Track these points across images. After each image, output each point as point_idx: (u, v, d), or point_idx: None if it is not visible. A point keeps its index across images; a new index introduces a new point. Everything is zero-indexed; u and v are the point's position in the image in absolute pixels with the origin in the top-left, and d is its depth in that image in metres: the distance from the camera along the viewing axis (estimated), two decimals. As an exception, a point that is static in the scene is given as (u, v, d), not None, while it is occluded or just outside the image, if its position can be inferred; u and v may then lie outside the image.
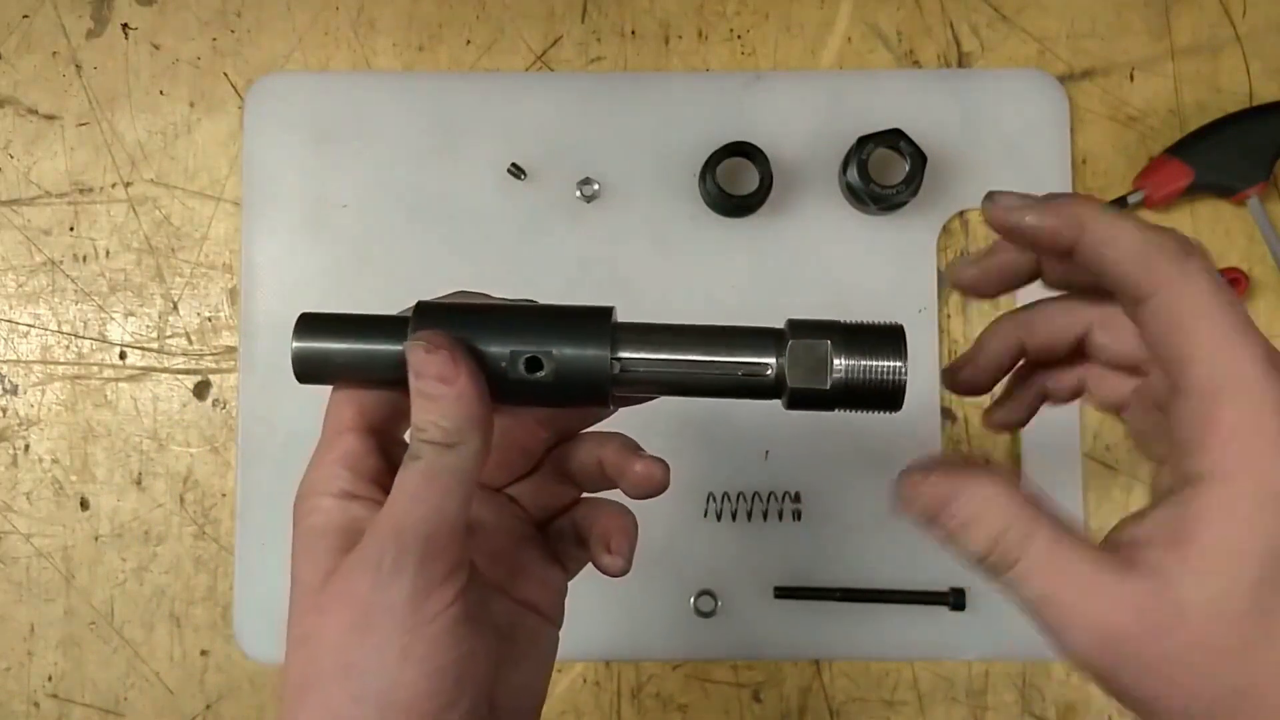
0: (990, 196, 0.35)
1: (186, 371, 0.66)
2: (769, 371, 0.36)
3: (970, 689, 0.64)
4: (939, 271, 0.65)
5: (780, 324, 0.37)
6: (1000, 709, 0.64)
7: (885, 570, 0.64)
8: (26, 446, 0.66)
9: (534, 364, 0.36)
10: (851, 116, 0.65)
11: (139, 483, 0.66)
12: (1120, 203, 0.65)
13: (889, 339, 0.36)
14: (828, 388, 0.35)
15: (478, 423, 0.34)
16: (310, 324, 0.37)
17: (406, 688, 0.33)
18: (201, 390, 0.66)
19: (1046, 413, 0.64)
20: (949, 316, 0.65)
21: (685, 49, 0.67)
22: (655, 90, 0.66)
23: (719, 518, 0.64)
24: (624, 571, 0.41)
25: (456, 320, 0.36)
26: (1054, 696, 0.65)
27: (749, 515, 0.64)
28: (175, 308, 0.66)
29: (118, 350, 0.66)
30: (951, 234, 0.66)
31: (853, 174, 0.62)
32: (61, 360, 0.66)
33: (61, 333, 0.66)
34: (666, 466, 0.40)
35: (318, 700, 0.34)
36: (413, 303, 0.37)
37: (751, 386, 0.36)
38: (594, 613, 0.64)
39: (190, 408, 0.66)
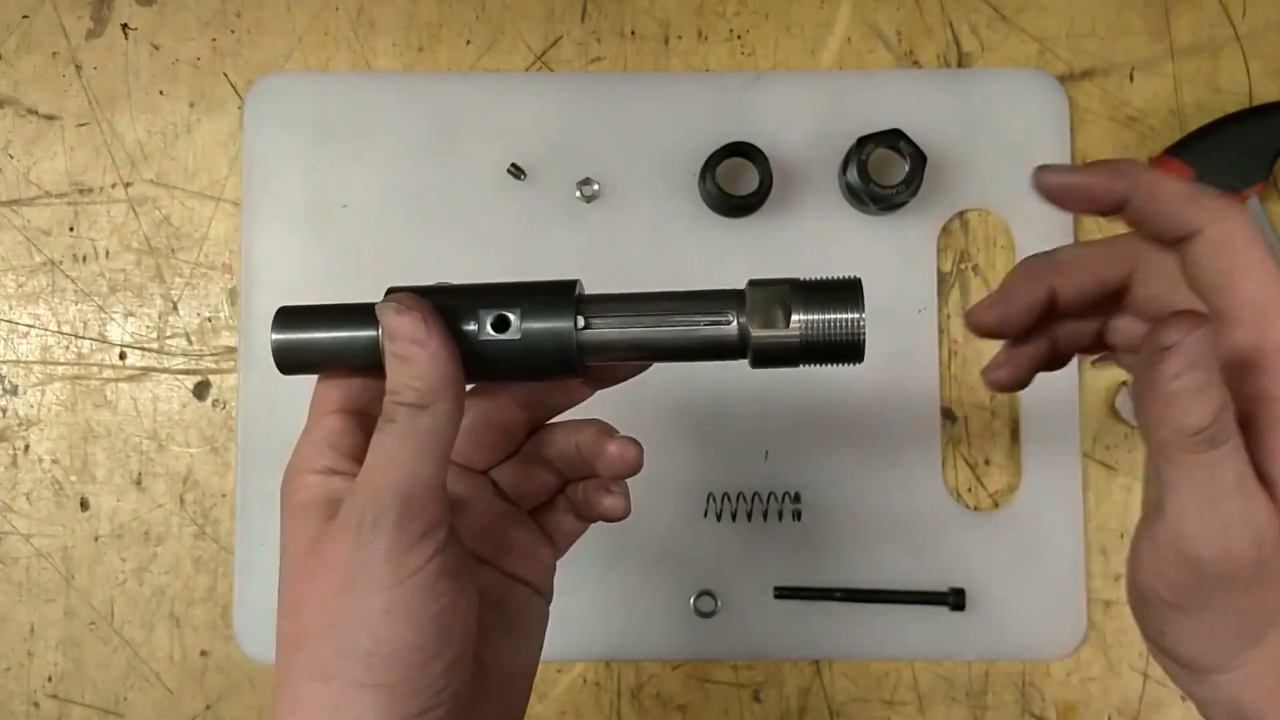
0: (1040, 169, 0.37)
1: (186, 372, 0.66)
2: (731, 328, 0.37)
3: (970, 689, 0.64)
4: (939, 272, 0.65)
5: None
6: (1000, 709, 0.64)
7: (885, 570, 0.64)
8: (26, 447, 0.66)
9: (502, 323, 0.37)
10: (851, 116, 0.65)
11: (139, 483, 0.66)
12: (1120, 203, 0.65)
13: (847, 292, 0.37)
14: (790, 341, 0.36)
15: (450, 384, 0.35)
16: (288, 316, 0.39)
17: (390, 641, 0.34)
18: (201, 390, 0.66)
19: (1046, 413, 0.65)
20: (949, 317, 0.65)
21: (685, 49, 0.67)
22: (655, 90, 0.66)
23: (719, 518, 0.64)
24: (627, 511, 0.42)
25: (428, 298, 0.37)
26: (1054, 696, 0.65)
27: (749, 515, 0.64)
28: (175, 308, 0.66)
29: (118, 350, 0.66)
30: (951, 234, 0.66)
31: (852, 174, 0.62)
32: (61, 360, 0.66)
33: (61, 333, 0.66)
34: (640, 446, 0.41)
35: (306, 658, 0.35)
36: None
37: (716, 345, 0.37)
38: (594, 613, 0.64)
39: (190, 408, 0.66)
